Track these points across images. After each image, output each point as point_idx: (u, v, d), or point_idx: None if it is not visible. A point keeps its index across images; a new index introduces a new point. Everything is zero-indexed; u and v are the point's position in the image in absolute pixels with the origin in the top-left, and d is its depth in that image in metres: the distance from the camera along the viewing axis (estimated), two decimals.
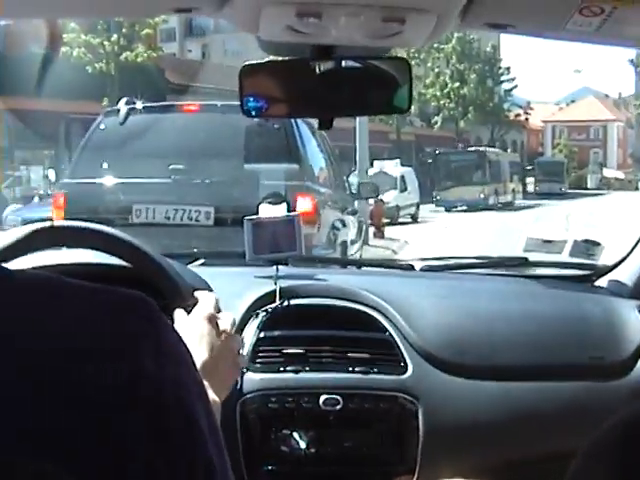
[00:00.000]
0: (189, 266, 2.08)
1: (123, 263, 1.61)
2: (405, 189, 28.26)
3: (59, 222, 1.58)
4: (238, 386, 1.80)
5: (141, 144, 7.17)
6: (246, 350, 1.89)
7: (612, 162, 68.64)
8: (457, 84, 46.90)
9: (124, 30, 24.41)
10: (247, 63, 1.63)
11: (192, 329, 1.38)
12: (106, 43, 24.13)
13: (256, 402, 1.83)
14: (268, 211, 2.03)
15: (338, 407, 1.84)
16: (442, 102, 46.68)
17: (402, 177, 28.67)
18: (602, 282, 2.30)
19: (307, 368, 1.90)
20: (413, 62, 36.16)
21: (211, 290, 1.76)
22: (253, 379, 1.84)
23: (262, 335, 1.94)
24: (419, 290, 2.17)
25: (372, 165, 21.99)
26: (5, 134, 22.49)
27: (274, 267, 2.03)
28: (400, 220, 26.04)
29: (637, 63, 52.99)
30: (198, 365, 1.06)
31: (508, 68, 52.17)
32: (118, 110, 7.39)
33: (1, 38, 20.51)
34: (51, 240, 1.57)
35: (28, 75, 17.47)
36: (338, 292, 2.07)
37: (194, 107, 7.81)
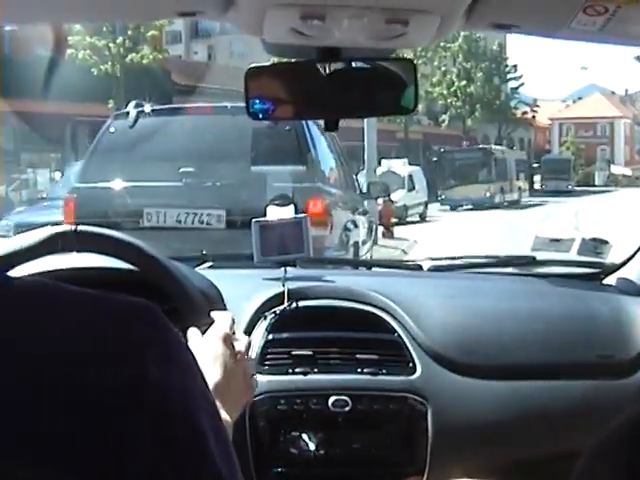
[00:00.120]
0: (197, 269, 2.08)
1: (130, 267, 1.61)
2: (413, 188, 28.23)
3: (82, 227, 1.57)
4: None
5: (151, 147, 7.13)
6: (255, 352, 1.89)
7: (619, 159, 68.55)
8: (464, 82, 46.90)
9: (129, 32, 24.35)
10: (252, 65, 1.63)
11: (206, 349, 1.36)
12: (111, 45, 24.07)
13: (265, 404, 1.83)
14: (275, 213, 2.03)
15: (347, 408, 1.84)
16: (449, 100, 46.69)
17: (410, 176, 28.64)
18: (610, 280, 2.30)
19: (316, 370, 1.90)
20: (420, 61, 36.44)
21: (219, 292, 1.77)
22: (262, 381, 1.83)
23: (270, 337, 1.94)
24: (427, 290, 2.17)
25: (379, 164, 21.96)
26: (11, 137, 22.51)
27: (282, 269, 2.03)
28: (408, 219, 26.01)
29: None
30: (210, 385, 1.05)
31: (515, 66, 52.19)
32: (127, 113, 7.32)
33: (7, 42, 20.52)
34: (70, 244, 1.57)
35: (34, 78, 17.46)
36: (346, 293, 2.07)
37: (204, 109, 7.78)
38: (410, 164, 30.23)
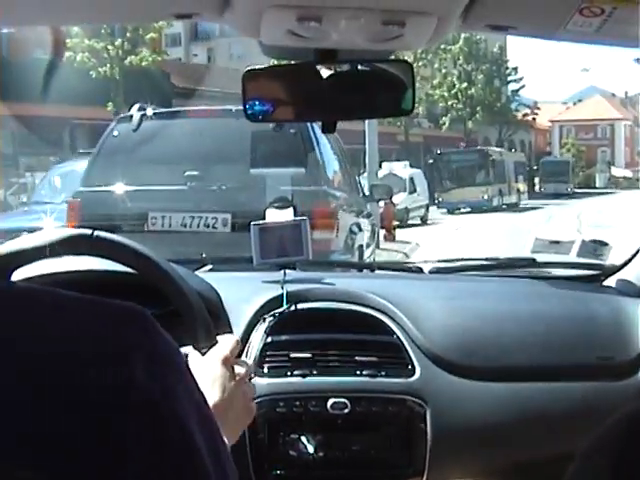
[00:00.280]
0: (198, 272, 2.08)
1: (128, 270, 1.60)
2: (414, 191, 28.23)
3: (99, 232, 1.56)
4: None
5: (155, 150, 7.11)
6: (253, 355, 1.89)
7: (620, 161, 68.61)
8: (464, 85, 46.91)
9: (128, 34, 24.29)
10: (250, 68, 1.63)
11: (206, 371, 1.36)
12: (110, 47, 24.03)
13: (264, 407, 1.83)
14: (275, 216, 2.03)
15: (346, 411, 1.84)
16: (450, 103, 46.68)
17: (411, 179, 28.64)
18: (610, 282, 2.30)
19: (315, 372, 1.90)
20: (420, 63, 36.40)
21: (218, 295, 1.77)
22: (261, 384, 1.83)
23: (269, 340, 1.94)
24: (427, 292, 2.16)
25: (380, 167, 21.96)
26: (10, 140, 22.48)
27: (281, 271, 2.03)
28: (409, 222, 26.00)
29: None
30: None
31: (515, 68, 52.23)
32: (131, 116, 7.31)
33: (5, 44, 20.49)
34: (85, 248, 1.56)
35: (32, 81, 17.42)
36: (345, 295, 2.07)
37: (207, 112, 7.75)
38: (411, 167, 30.24)
